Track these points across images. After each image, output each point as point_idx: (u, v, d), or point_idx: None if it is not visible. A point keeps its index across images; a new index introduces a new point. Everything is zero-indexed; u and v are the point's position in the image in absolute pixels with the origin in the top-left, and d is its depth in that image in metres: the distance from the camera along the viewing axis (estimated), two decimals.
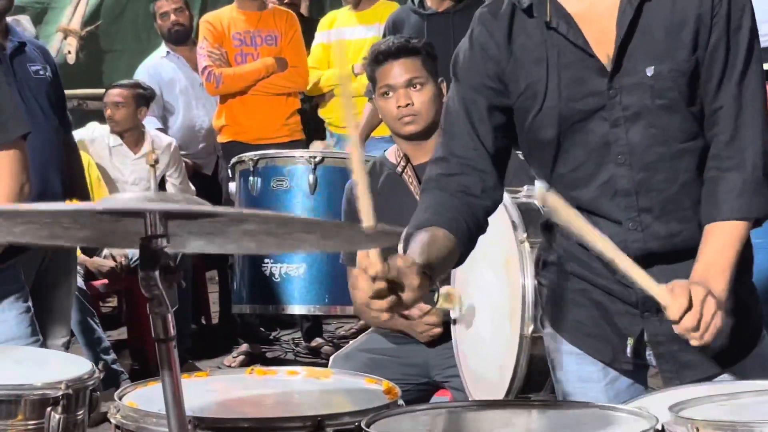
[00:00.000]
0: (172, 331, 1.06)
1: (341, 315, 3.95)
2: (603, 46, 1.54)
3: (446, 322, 2.43)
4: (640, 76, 1.53)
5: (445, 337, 2.48)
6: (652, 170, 1.56)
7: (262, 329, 4.58)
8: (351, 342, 2.96)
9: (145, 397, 1.54)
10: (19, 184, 2.22)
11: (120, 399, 1.50)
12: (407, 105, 2.41)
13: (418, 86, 2.43)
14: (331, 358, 2.82)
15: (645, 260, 1.55)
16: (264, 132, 4.11)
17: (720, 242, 1.52)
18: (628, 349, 1.62)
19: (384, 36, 3.75)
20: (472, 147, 1.60)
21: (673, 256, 1.59)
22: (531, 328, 1.94)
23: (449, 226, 1.49)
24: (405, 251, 1.44)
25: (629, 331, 1.62)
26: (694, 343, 1.41)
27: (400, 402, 1.52)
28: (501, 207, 1.89)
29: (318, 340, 4.46)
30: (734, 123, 1.52)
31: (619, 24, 1.52)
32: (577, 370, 1.71)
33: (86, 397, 1.60)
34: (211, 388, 1.69)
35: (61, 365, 1.74)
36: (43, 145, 2.45)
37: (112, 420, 1.47)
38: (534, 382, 2.00)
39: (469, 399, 2.26)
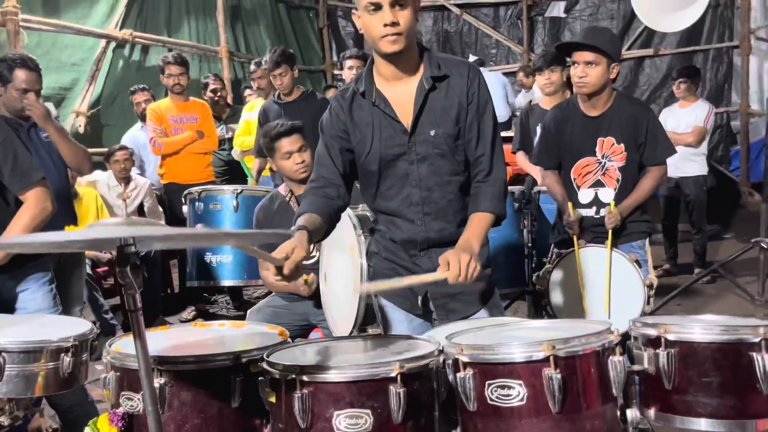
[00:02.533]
0: (139, 304, 1.29)
1: (254, 285, 4.82)
2: (405, 117, 1.93)
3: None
4: (426, 136, 1.93)
5: (316, 295, 2.93)
6: (431, 191, 1.97)
7: (206, 295, 5.34)
8: (260, 301, 3.43)
9: (127, 344, 1.72)
10: (41, 209, 2.45)
11: (110, 346, 1.72)
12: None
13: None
14: (248, 311, 3.30)
15: (426, 244, 1.99)
16: (190, 177, 4.99)
17: (477, 222, 1.92)
18: (419, 302, 2.03)
19: (258, 120, 4.73)
20: (331, 172, 1.99)
21: (441, 244, 1.99)
22: (365, 287, 2.16)
23: (319, 213, 1.88)
24: (294, 225, 1.81)
25: (419, 291, 2.03)
26: (460, 281, 1.72)
27: (288, 340, 1.79)
28: (348, 215, 2.28)
29: (240, 301, 5.27)
30: (490, 163, 1.95)
31: (415, 105, 1.92)
32: (391, 316, 2.10)
33: (88, 346, 1.88)
34: (169, 337, 1.90)
35: (70, 326, 1.93)
36: (54, 186, 2.69)
37: (104, 360, 1.70)
38: (368, 318, 2.28)
39: (333, 333, 2.59)
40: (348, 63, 4.99)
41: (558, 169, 3.15)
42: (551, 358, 1.31)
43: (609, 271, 2.76)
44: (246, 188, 4.17)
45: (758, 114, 8.01)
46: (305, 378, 1.46)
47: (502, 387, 1.35)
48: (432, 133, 1.93)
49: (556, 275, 2.84)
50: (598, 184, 3.00)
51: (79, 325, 1.95)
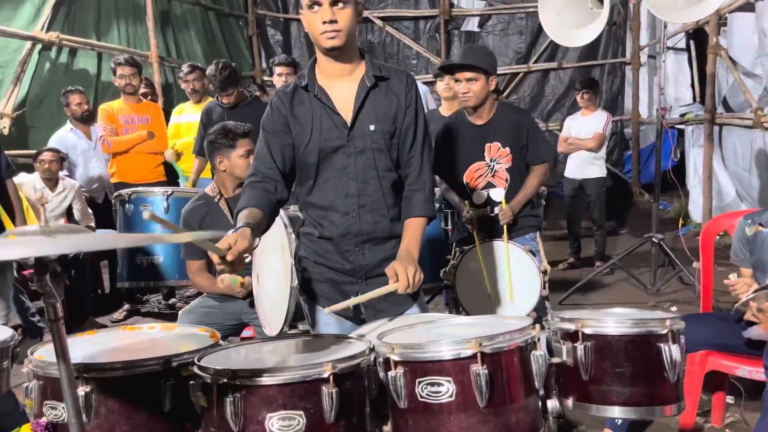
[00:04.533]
0: (60, 314, 1.17)
1: (186, 285, 4.58)
2: (345, 111, 1.89)
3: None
4: (365, 130, 1.89)
5: (249, 294, 2.85)
6: (367, 183, 1.92)
7: (138, 295, 5.03)
8: (192, 302, 3.23)
9: (49, 351, 1.57)
10: None
11: (32, 353, 1.58)
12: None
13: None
14: (179, 312, 3.12)
15: (361, 237, 1.92)
16: (140, 176, 4.82)
17: (413, 229, 1.91)
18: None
19: (201, 121, 4.52)
20: (269, 167, 1.91)
21: (375, 238, 1.95)
22: (296, 284, 2.11)
23: (259, 207, 1.80)
24: (236, 221, 1.74)
25: (351, 291, 1.96)
26: (410, 291, 1.75)
27: (221, 342, 1.70)
28: (280, 215, 2.18)
29: (173, 300, 5.05)
30: (420, 167, 1.94)
31: (356, 100, 1.89)
32: (321, 318, 2.04)
33: (9, 353, 1.71)
34: (97, 342, 1.76)
35: None
36: None
37: (25, 369, 1.56)
38: (297, 315, 2.18)
39: (264, 330, 2.45)
40: (277, 69, 4.86)
41: (451, 175, 3.18)
42: (478, 354, 1.28)
43: (508, 261, 2.80)
44: (177, 190, 4.01)
45: (647, 122, 8.40)
46: (237, 382, 1.37)
47: (432, 384, 1.31)
48: (372, 128, 1.91)
49: (461, 270, 2.87)
50: (489, 185, 3.08)
51: None
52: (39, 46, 5.76)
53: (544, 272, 2.69)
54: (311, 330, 2.11)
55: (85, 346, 1.69)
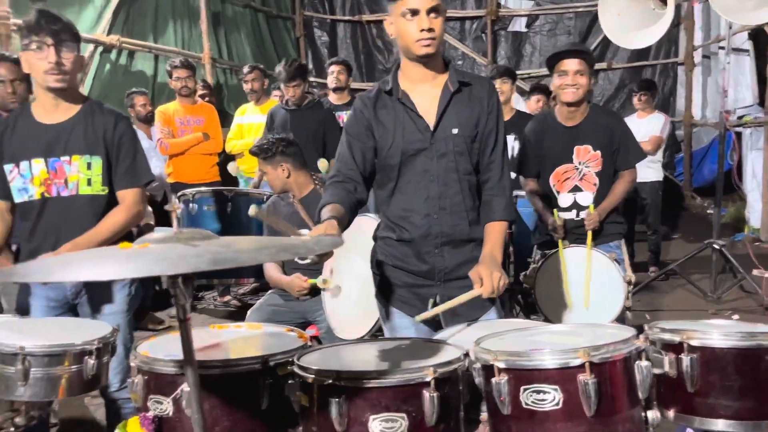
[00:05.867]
0: (189, 314, 1.22)
1: (243, 283, 4.85)
2: (428, 115, 1.94)
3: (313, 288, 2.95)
4: (447, 133, 1.93)
5: (315, 293, 2.98)
6: (448, 186, 1.95)
7: (194, 292, 5.14)
8: (259, 300, 3.37)
9: (154, 347, 1.69)
10: (137, 212, 2.30)
11: (136, 349, 1.64)
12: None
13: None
14: (249, 311, 3.23)
15: (441, 239, 1.95)
16: (196, 176, 4.96)
17: (495, 233, 1.93)
18: (430, 306, 1.96)
19: (266, 123, 4.62)
20: (350, 168, 1.97)
21: (454, 241, 1.97)
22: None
23: (342, 203, 1.86)
24: (320, 216, 1.81)
25: (430, 294, 1.98)
26: (494, 295, 1.80)
27: (310, 343, 1.71)
28: (372, 220, 2.28)
29: (227, 297, 5.18)
30: (500, 172, 1.97)
31: (440, 104, 1.93)
32: (398, 322, 2.05)
33: (110, 348, 1.77)
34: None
35: (92, 328, 1.83)
36: None
37: (132, 363, 1.61)
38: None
39: (335, 332, 2.61)
40: (332, 68, 5.02)
41: (537, 176, 3.15)
42: (587, 364, 1.28)
43: (589, 269, 2.76)
44: (239, 191, 4.07)
45: (700, 124, 8.22)
46: (342, 383, 1.40)
47: (537, 392, 1.32)
48: (454, 131, 1.95)
49: (542, 274, 2.86)
50: (576, 189, 3.04)
51: (100, 327, 1.84)
52: (100, 49, 5.95)
53: (629, 282, 2.66)
54: (386, 333, 2.13)
55: (178, 345, 1.73)
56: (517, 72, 6.37)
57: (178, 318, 1.21)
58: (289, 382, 1.53)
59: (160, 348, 1.66)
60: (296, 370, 1.50)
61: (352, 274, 2.60)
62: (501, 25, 9.32)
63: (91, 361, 1.70)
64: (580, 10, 8.86)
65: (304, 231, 1.88)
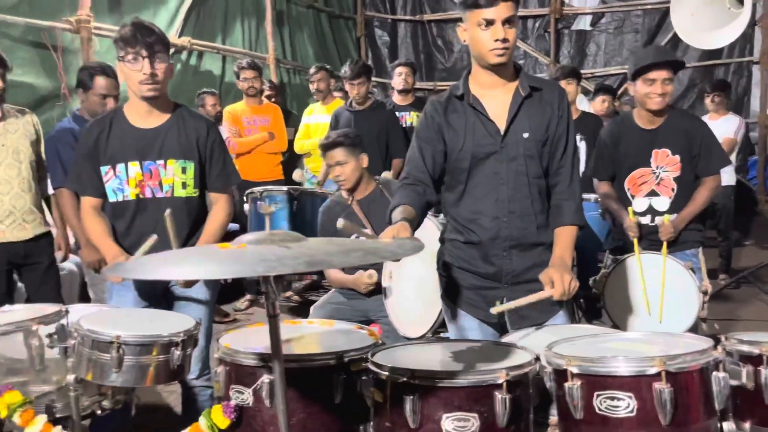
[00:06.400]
0: (278, 311, 1.29)
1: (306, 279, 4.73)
2: (499, 119, 1.97)
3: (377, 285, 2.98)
4: (518, 137, 1.96)
5: (374, 292, 3.05)
6: (517, 190, 1.98)
7: (257, 286, 5.25)
8: (322, 297, 3.46)
9: (236, 339, 1.79)
10: (230, 212, 2.44)
11: (218, 341, 1.75)
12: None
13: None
14: (311, 308, 3.32)
15: (509, 242, 1.98)
16: (261, 174, 5.06)
17: (565, 237, 1.96)
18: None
19: (330, 123, 4.70)
20: (420, 171, 2.01)
21: (522, 244, 2.00)
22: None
23: (413, 205, 1.90)
24: (391, 217, 1.86)
25: (497, 296, 2.00)
26: (564, 298, 1.83)
27: (381, 341, 1.78)
28: (434, 221, 2.32)
29: (289, 293, 5.21)
30: (570, 176, 1.98)
31: (511, 109, 1.96)
32: (464, 323, 2.08)
33: (193, 341, 1.85)
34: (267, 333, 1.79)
35: (178, 321, 1.93)
36: None
37: (215, 355, 1.71)
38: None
39: (398, 331, 2.64)
40: (399, 69, 5.12)
41: (611, 179, 3.11)
42: (663, 373, 1.30)
43: (664, 276, 2.71)
44: (304, 190, 4.19)
45: None
46: (416, 382, 1.45)
47: (611, 398, 1.34)
48: (525, 135, 1.97)
49: (612, 280, 2.81)
50: (652, 193, 2.98)
51: (185, 320, 1.95)
52: (172, 50, 6.21)
53: (705, 292, 2.60)
54: (452, 334, 2.16)
55: (261, 337, 1.79)
56: (581, 71, 6.28)
57: (267, 314, 1.28)
58: (362, 378, 1.59)
59: (242, 341, 1.76)
60: (370, 366, 1.56)
61: (409, 274, 2.65)
62: (564, 23, 9.17)
63: (177, 352, 1.80)
64: (649, 7, 8.62)
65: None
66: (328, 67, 5.50)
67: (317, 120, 5.35)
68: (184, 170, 2.36)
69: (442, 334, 2.52)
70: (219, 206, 2.43)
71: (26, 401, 1.77)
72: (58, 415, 1.87)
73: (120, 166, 2.33)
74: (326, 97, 5.34)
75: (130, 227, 2.36)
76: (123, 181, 2.34)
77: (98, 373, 1.79)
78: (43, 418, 1.77)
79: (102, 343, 1.77)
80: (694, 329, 2.63)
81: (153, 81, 2.25)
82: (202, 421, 1.67)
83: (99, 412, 2.02)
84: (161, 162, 2.33)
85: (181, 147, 2.35)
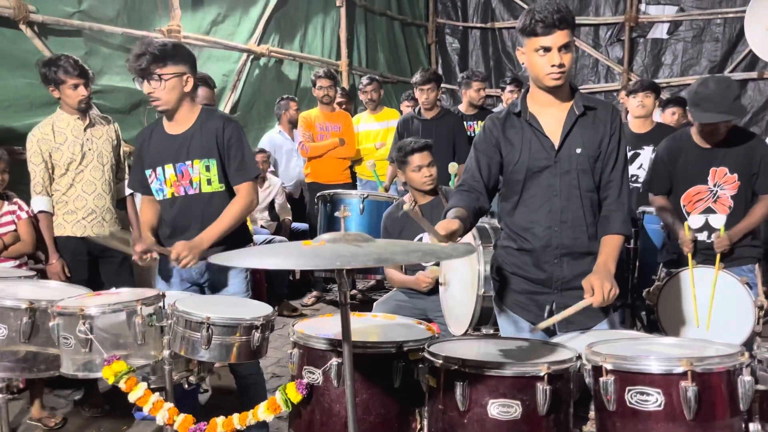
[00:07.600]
0: (348, 300, 1.49)
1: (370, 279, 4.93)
2: (554, 135, 2.11)
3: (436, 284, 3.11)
4: (572, 152, 2.10)
5: (434, 291, 3.18)
6: (570, 201, 2.11)
7: (324, 283, 5.70)
8: (385, 294, 3.68)
9: (308, 325, 2.00)
10: (250, 202, 2.63)
11: (293, 326, 1.97)
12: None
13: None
14: (375, 303, 3.55)
15: (560, 250, 2.10)
16: (330, 178, 5.37)
17: (611, 245, 2.06)
18: (545, 314, 2.13)
19: (397, 130, 4.94)
20: (476, 180, 2.17)
21: (573, 253, 2.12)
22: (482, 291, 2.38)
23: (466, 207, 2.04)
24: (445, 217, 1.98)
25: (546, 301, 2.14)
26: (603, 305, 1.93)
27: (437, 335, 1.96)
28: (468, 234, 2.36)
29: (353, 291, 5.60)
30: (619, 189, 2.10)
31: (565, 125, 2.10)
32: (512, 325, 2.23)
33: (270, 326, 2.08)
34: (335, 323, 2.01)
35: (257, 307, 2.17)
36: None
37: (291, 338, 1.93)
38: (483, 318, 2.53)
39: (449, 329, 2.75)
40: (509, 87, 5.75)
41: (667, 194, 3.19)
42: (689, 372, 1.43)
43: (714, 290, 2.78)
44: (371, 194, 4.46)
45: None
46: (466, 369, 1.64)
47: (641, 393, 1.48)
48: (578, 151, 2.10)
49: (666, 292, 2.89)
50: (708, 210, 3.03)
51: (263, 307, 2.19)
52: (252, 57, 6.61)
53: (760, 307, 2.65)
54: (503, 335, 2.30)
55: (331, 325, 2.05)
56: (655, 80, 6.24)
57: (339, 302, 1.50)
58: (419, 365, 1.79)
59: (314, 327, 1.99)
60: (426, 355, 1.76)
61: (456, 274, 2.82)
62: (640, 32, 9.05)
63: (257, 334, 2.05)
64: (730, 16, 8.41)
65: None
66: (378, 78, 5.80)
67: (366, 128, 5.72)
68: (207, 168, 2.63)
69: (483, 329, 2.68)
70: (239, 195, 2.65)
71: (131, 369, 2.04)
72: (152, 386, 2.13)
73: (159, 170, 2.68)
74: (377, 106, 5.68)
75: (169, 222, 2.70)
76: (162, 182, 2.68)
77: (190, 349, 2.06)
78: (144, 385, 2.04)
79: (194, 323, 2.03)
80: (750, 344, 2.68)
81: (154, 99, 2.57)
82: (278, 395, 1.90)
83: (186, 386, 2.31)
84: (189, 163, 2.63)
85: (202, 147, 2.61)
